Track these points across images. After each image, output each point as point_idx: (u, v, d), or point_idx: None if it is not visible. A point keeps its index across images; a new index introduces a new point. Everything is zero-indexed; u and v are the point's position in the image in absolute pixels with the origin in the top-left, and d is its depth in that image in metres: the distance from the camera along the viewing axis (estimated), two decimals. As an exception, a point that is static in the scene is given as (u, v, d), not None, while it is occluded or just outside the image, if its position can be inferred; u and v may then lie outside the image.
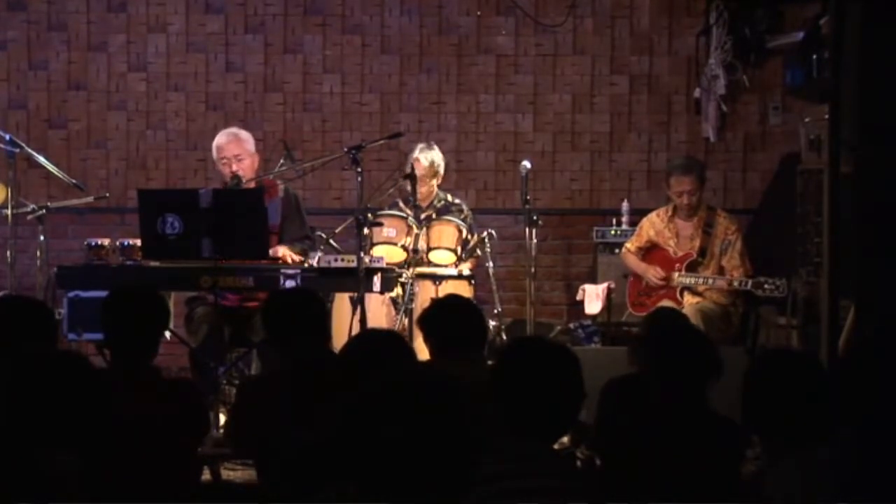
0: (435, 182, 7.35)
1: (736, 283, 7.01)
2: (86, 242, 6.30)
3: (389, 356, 3.88)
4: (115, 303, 4.16)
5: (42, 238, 6.53)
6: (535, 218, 6.80)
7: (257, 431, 4.22)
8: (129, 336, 4.07)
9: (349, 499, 2.26)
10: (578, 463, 4.52)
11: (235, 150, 6.60)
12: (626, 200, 8.26)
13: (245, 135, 6.73)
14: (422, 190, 7.13)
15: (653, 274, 7.23)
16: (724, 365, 3.85)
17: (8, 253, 6.56)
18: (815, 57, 7.05)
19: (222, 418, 6.03)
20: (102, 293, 4.32)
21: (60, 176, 6.85)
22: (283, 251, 6.41)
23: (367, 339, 4.29)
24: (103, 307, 4.14)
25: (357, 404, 2.24)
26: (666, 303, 7.07)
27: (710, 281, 7.10)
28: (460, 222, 7.00)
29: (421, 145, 7.39)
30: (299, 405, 4.09)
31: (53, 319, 4.26)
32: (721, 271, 7.19)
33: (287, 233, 6.63)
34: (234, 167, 6.55)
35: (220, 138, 6.70)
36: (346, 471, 2.26)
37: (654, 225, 7.41)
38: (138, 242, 6.09)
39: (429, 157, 7.28)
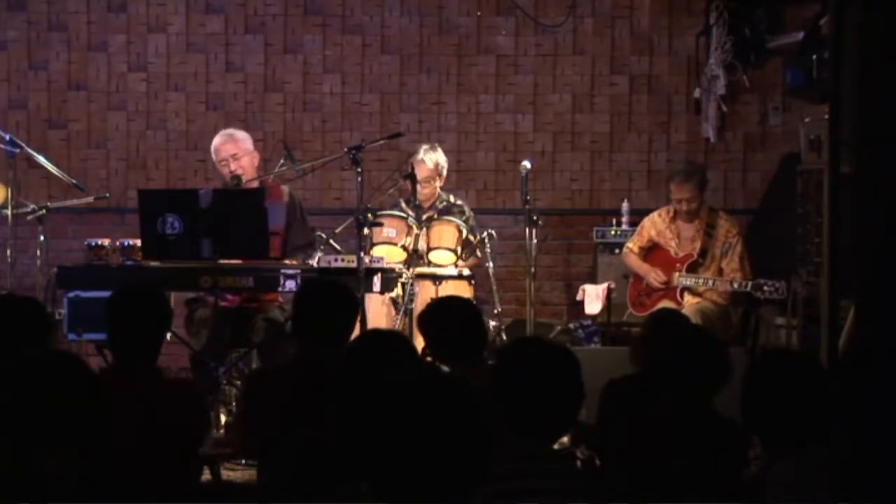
0: (438, 184, 7.33)
1: (735, 285, 7.01)
2: (86, 242, 6.29)
3: (393, 356, 3.87)
4: (119, 302, 4.16)
5: (42, 238, 6.52)
6: (535, 218, 6.78)
7: (265, 426, 4.19)
8: (132, 336, 4.06)
9: (356, 499, 2.25)
10: (578, 463, 4.52)
11: (232, 150, 6.64)
12: (626, 200, 8.26)
13: (241, 134, 6.78)
14: (425, 191, 7.13)
15: (654, 277, 7.24)
16: (732, 367, 3.85)
17: (8, 253, 6.55)
18: (815, 57, 7.04)
19: (223, 418, 6.03)
20: (102, 293, 4.31)
21: (60, 176, 6.84)
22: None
23: (371, 338, 4.27)
24: (107, 306, 4.14)
25: (367, 404, 2.23)
26: (666, 303, 7.08)
27: (711, 282, 7.11)
28: (460, 222, 6.98)
29: (424, 146, 7.34)
30: (306, 403, 4.07)
31: (49, 319, 4.25)
32: (721, 273, 7.19)
33: (292, 240, 6.64)
34: (233, 167, 6.59)
35: (216, 140, 6.76)
36: (352, 471, 2.25)
37: (655, 225, 7.41)
38: (138, 242, 6.09)
39: (433, 159, 7.25)
